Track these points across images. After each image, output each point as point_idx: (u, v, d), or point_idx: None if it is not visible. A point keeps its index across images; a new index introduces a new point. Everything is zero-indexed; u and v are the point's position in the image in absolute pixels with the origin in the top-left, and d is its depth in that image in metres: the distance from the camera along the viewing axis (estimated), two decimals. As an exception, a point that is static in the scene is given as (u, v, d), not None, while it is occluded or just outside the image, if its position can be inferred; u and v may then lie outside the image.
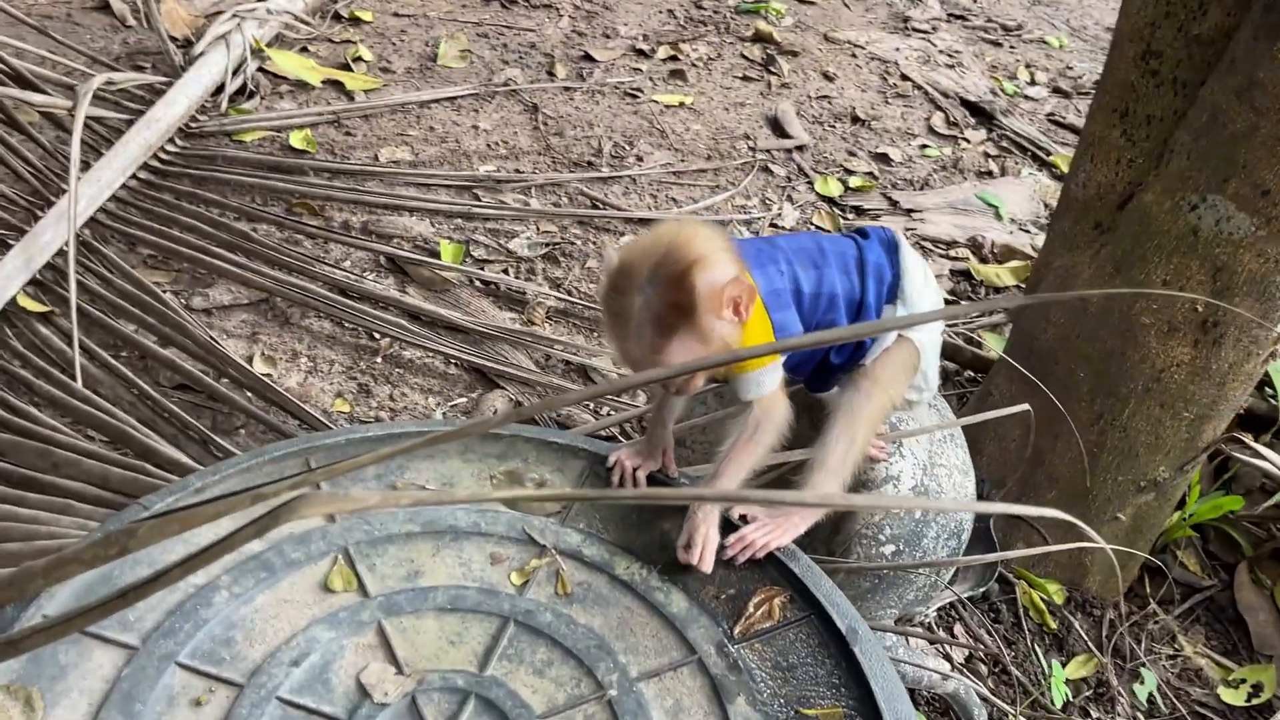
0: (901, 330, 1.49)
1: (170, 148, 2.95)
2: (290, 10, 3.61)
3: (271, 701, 1.19)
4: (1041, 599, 2.16)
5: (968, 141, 3.66)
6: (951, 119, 3.75)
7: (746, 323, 1.30)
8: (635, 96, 3.64)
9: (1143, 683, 2.03)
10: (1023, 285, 2.91)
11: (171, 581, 0.78)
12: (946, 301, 3.01)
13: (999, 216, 3.26)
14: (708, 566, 1.37)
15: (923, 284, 1.51)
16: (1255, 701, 2.06)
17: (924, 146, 3.61)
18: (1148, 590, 2.27)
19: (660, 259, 1.26)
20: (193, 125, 3.08)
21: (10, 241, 2.44)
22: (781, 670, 1.30)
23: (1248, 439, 2.08)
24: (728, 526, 1.43)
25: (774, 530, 1.42)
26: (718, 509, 1.41)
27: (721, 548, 1.40)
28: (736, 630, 1.33)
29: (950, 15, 4.56)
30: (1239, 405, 2.04)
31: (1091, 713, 2.01)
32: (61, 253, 2.45)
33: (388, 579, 1.35)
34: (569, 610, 1.33)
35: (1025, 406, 1.79)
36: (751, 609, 1.36)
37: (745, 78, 3.89)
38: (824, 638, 1.34)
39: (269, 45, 3.47)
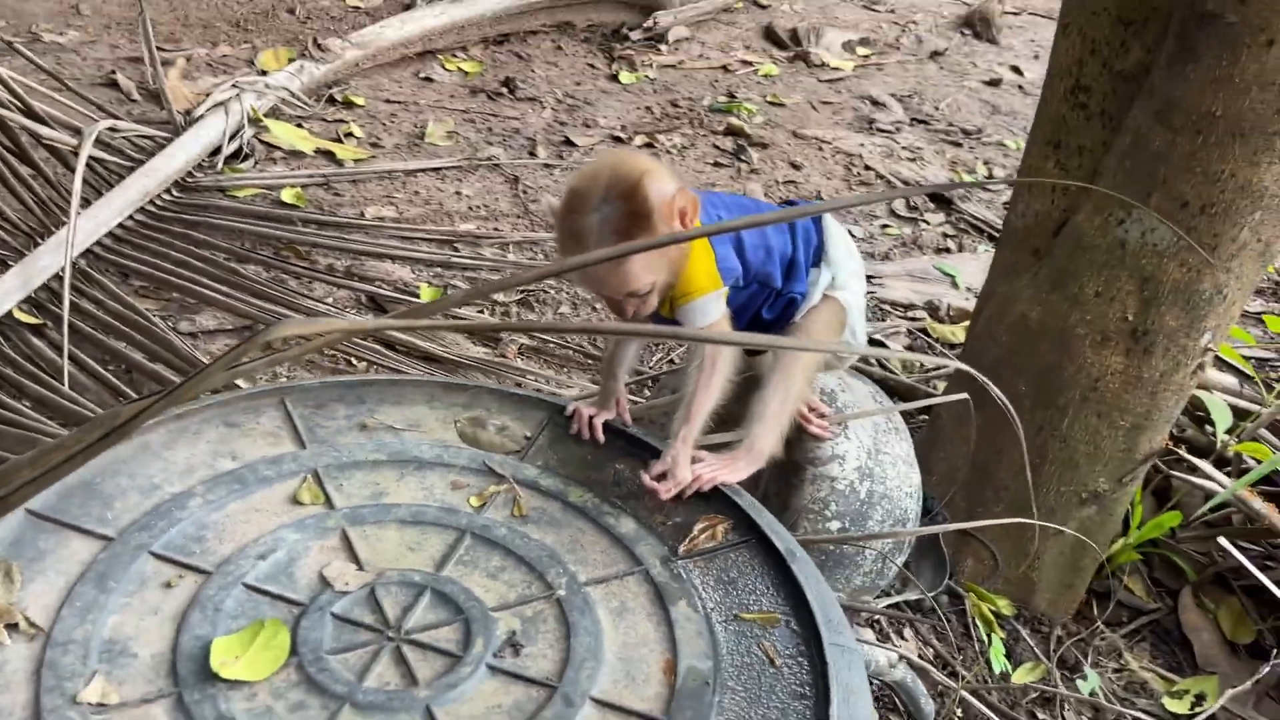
0: (827, 290, 1.62)
1: (166, 196, 3.10)
2: (288, 87, 3.81)
3: (238, 587, 1.26)
4: (990, 610, 2.22)
5: (927, 223, 3.84)
6: (912, 203, 3.95)
7: (690, 251, 1.42)
8: (613, 174, 3.81)
9: (1086, 680, 2.09)
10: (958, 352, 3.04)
11: (164, 408, 0.87)
12: (908, 352, 3.15)
13: (955, 285, 3.42)
14: (666, 495, 1.46)
15: (846, 251, 1.66)
16: (1198, 711, 2.11)
17: (885, 226, 3.78)
18: (1095, 612, 2.34)
19: (610, 179, 1.38)
20: (189, 179, 3.24)
21: (10, 262, 2.56)
22: (722, 584, 1.37)
23: (1182, 451, 2.19)
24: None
25: (720, 468, 1.51)
26: (689, 450, 1.50)
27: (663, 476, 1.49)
28: (681, 549, 1.41)
29: (913, 120, 4.81)
30: (1172, 417, 2.15)
31: (1038, 715, 2.05)
32: (58, 277, 2.56)
33: (353, 497, 1.43)
34: (523, 529, 1.41)
35: (964, 396, 1.89)
36: (696, 532, 1.44)
37: (717, 164, 4.09)
38: (764, 558, 1.42)
39: (266, 115, 3.65)
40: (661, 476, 1.47)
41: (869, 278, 3.35)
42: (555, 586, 1.32)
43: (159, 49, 3.85)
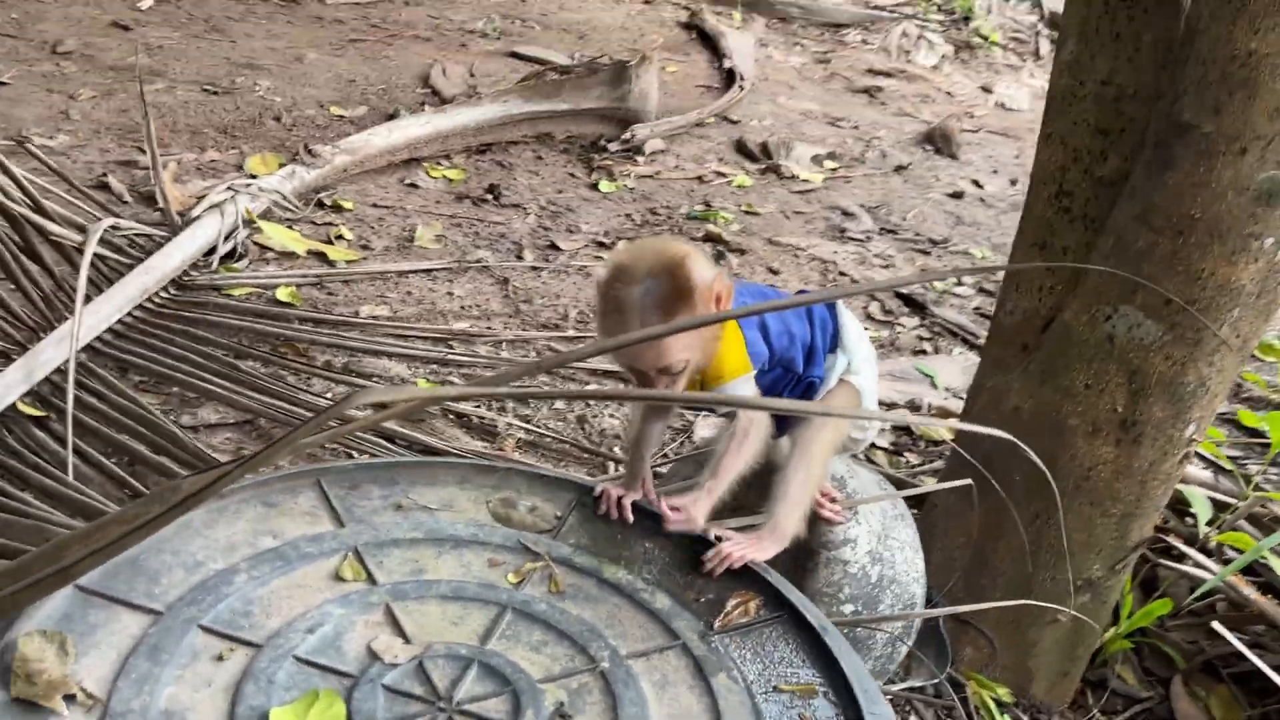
0: (843, 375, 1.69)
1: (164, 294, 3.14)
2: (280, 190, 3.89)
3: (288, 659, 1.28)
4: (992, 699, 2.25)
5: (903, 326, 3.96)
6: (887, 308, 4.07)
7: (723, 336, 1.50)
8: (598, 277, 3.91)
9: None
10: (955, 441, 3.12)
11: (242, 474, 0.92)
12: (890, 451, 3.22)
13: (934, 385, 3.51)
14: (672, 526, 1.55)
15: (859, 337, 1.76)
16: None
17: (864, 329, 3.89)
18: (1090, 700, 2.38)
19: (655, 257, 1.47)
20: (186, 278, 3.28)
21: (13, 355, 2.57)
22: (759, 657, 1.41)
23: (1171, 539, 2.26)
24: (706, 545, 1.56)
25: (748, 546, 1.55)
26: (710, 501, 1.58)
27: (700, 562, 1.54)
28: (716, 624, 1.45)
29: (882, 229, 4.98)
30: (1160, 505, 2.23)
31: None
32: (60, 370, 2.58)
33: (394, 573, 1.46)
34: (562, 604, 1.45)
35: (968, 481, 1.96)
36: (730, 607, 1.48)
37: (698, 268, 4.19)
38: (797, 632, 1.46)
39: (259, 217, 3.72)
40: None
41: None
42: (598, 659, 1.35)
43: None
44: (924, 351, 3.81)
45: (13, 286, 2.76)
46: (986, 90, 7.55)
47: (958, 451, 2.45)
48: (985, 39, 8.48)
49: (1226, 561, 2.44)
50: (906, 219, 5.12)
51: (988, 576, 2.33)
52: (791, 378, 1.71)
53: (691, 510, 1.56)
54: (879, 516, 1.95)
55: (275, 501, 1.55)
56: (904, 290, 4.19)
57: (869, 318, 4.02)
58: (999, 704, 2.27)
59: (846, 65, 7.64)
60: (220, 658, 1.28)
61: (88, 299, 2.86)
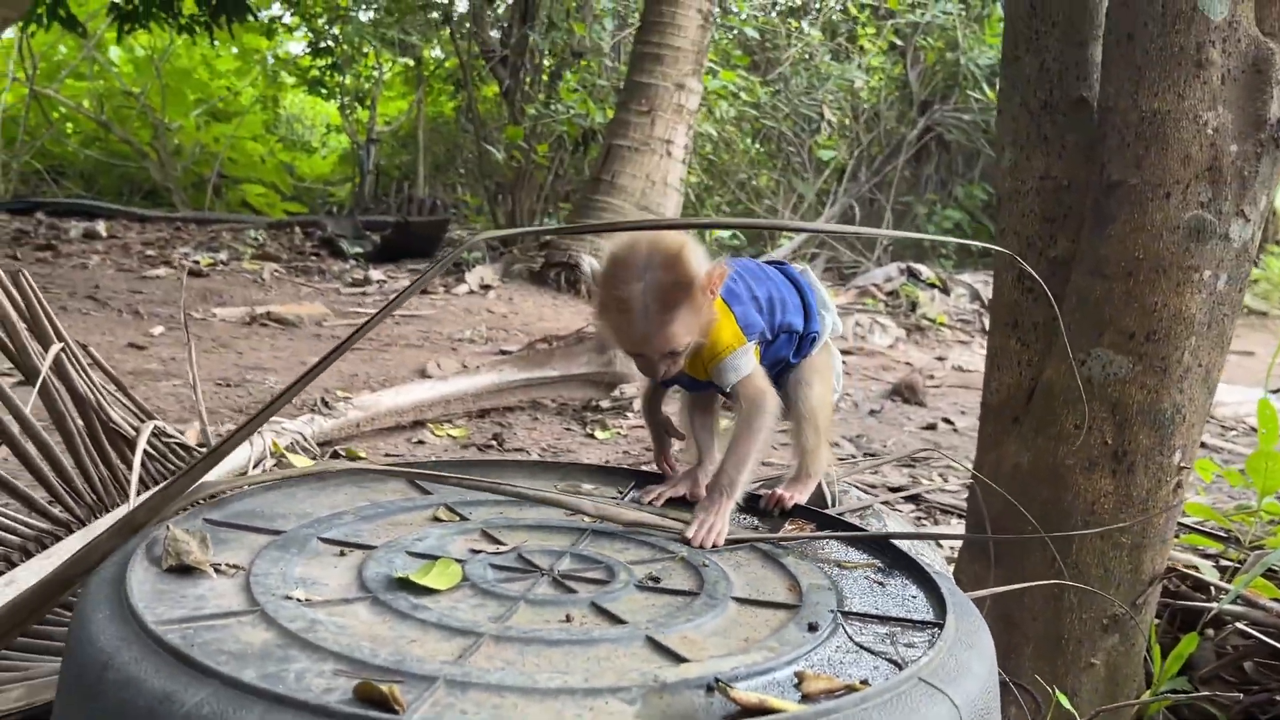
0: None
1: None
2: (301, 431, 4.13)
3: (401, 554, 1.42)
4: (1044, 747, 2.29)
5: (899, 510, 4.15)
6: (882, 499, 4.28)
7: (717, 317, 1.67)
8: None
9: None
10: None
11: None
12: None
13: (939, 545, 3.67)
14: (697, 541, 1.54)
15: (829, 297, 1.95)
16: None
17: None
18: (1141, 760, 2.40)
19: (650, 250, 1.60)
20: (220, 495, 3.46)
21: (73, 528, 2.71)
22: (819, 554, 1.55)
23: (1181, 566, 2.39)
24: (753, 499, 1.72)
25: (793, 490, 1.72)
26: (732, 503, 1.62)
27: (757, 508, 1.69)
28: (777, 537, 1.59)
29: (865, 454, 5.27)
30: (1166, 537, 2.37)
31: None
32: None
33: (484, 516, 1.61)
34: (633, 534, 1.59)
35: (988, 535, 2.12)
36: (787, 526, 1.63)
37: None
38: (849, 542, 1.60)
39: (286, 449, 3.94)
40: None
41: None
42: (676, 552, 1.49)
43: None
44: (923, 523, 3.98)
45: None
46: (941, 359, 8.08)
47: (971, 522, 2.61)
48: (933, 321, 9.15)
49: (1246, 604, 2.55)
50: (887, 445, 5.40)
51: (1018, 635, 2.42)
52: (795, 337, 1.84)
53: (714, 521, 1.56)
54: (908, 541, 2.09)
55: (366, 485, 1.71)
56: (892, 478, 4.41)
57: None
58: (1052, 752, 2.30)
59: (809, 349, 8.17)
60: (341, 554, 1.41)
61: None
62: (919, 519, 4.09)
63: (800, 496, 1.71)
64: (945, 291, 10.24)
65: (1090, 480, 2.34)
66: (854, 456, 5.09)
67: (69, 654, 1.16)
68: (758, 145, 12.52)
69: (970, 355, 8.13)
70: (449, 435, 5.06)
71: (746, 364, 1.71)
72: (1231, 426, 6.20)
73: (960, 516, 4.07)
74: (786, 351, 1.85)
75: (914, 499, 4.32)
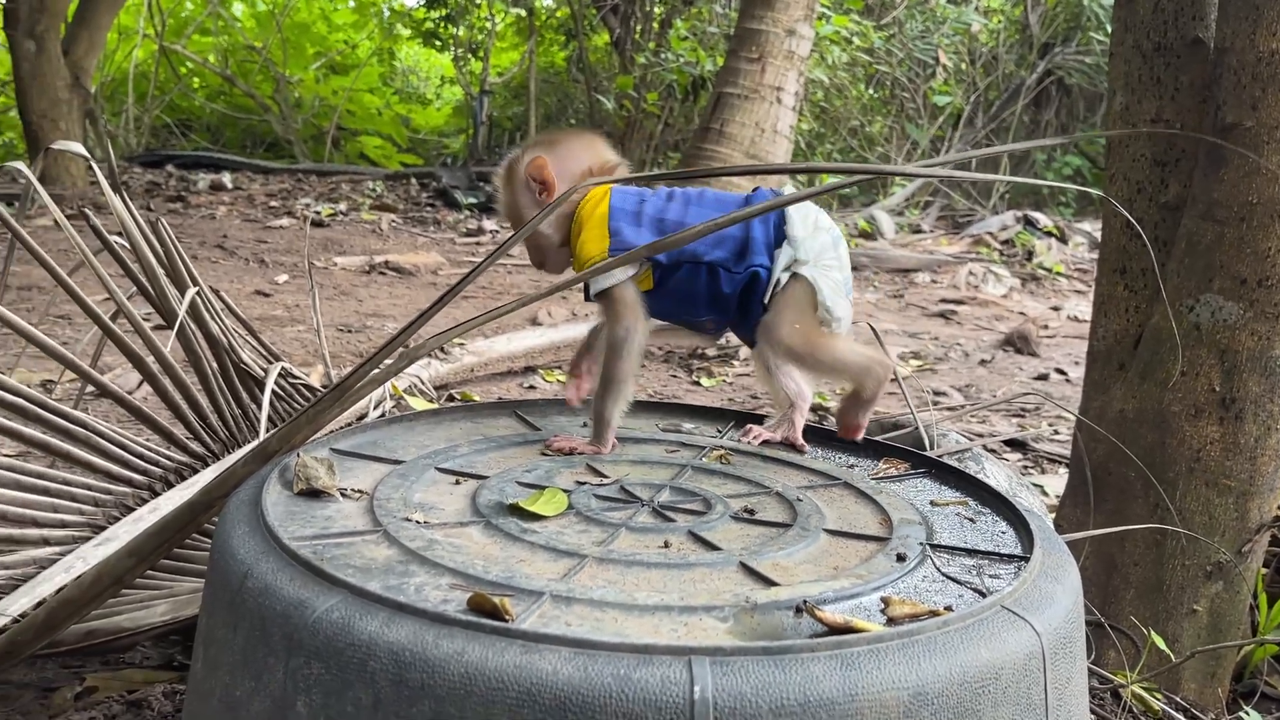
0: (792, 268, 1.71)
1: (325, 440, 3.47)
2: (419, 375, 4.30)
3: (512, 484, 1.51)
4: (1143, 689, 2.30)
5: (1006, 459, 4.13)
6: (989, 446, 4.26)
7: (585, 221, 1.74)
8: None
9: (1251, 723, 2.14)
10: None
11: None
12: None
13: (1044, 493, 3.66)
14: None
15: (813, 228, 1.71)
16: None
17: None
18: (1244, 706, 2.40)
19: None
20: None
21: (209, 461, 2.90)
22: (914, 492, 1.60)
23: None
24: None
25: (858, 419, 1.76)
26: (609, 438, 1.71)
27: (843, 443, 1.75)
28: (871, 476, 1.64)
29: (974, 403, 5.24)
30: (1275, 485, 2.35)
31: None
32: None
33: (589, 453, 1.69)
34: (731, 469, 1.66)
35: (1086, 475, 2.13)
36: (881, 465, 1.68)
37: (804, 430, 4.45)
38: (944, 477, 1.64)
39: (404, 392, 4.11)
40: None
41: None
42: (771, 488, 1.55)
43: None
44: (1029, 471, 3.96)
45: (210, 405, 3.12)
46: (1056, 309, 7.93)
47: (1074, 467, 2.61)
48: (1049, 270, 8.95)
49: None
50: (996, 394, 5.36)
51: (1118, 578, 2.42)
52: (720, 271, 1.71)
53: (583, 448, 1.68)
54: (1006, 483, 2.12)
55: (480, 419, 1.81)
56: (1005, 407, 4.39)
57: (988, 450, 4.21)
58: (1152, 695, 2.31)
59: (920, 298, 8.11)
60: (456, 483, 1.51)
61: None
62: (1025, 468, 4.07)
63: (855, 421, 1.75)
64: (1063, 240, 10.00)
65: (1195, 427, 2.32)
66: (962, 406, 5.06)
67: (212, 565, 1.27)
68: (871, 91, 12.34)
69: (1086, 305, 7.94)
70: (559, 380, 5.18)
71: (609, 278, 1.69)
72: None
73: (1067, 465, 4.04)
74: (717, 287, 1.73)
75: (1019, 446, 4.30)
